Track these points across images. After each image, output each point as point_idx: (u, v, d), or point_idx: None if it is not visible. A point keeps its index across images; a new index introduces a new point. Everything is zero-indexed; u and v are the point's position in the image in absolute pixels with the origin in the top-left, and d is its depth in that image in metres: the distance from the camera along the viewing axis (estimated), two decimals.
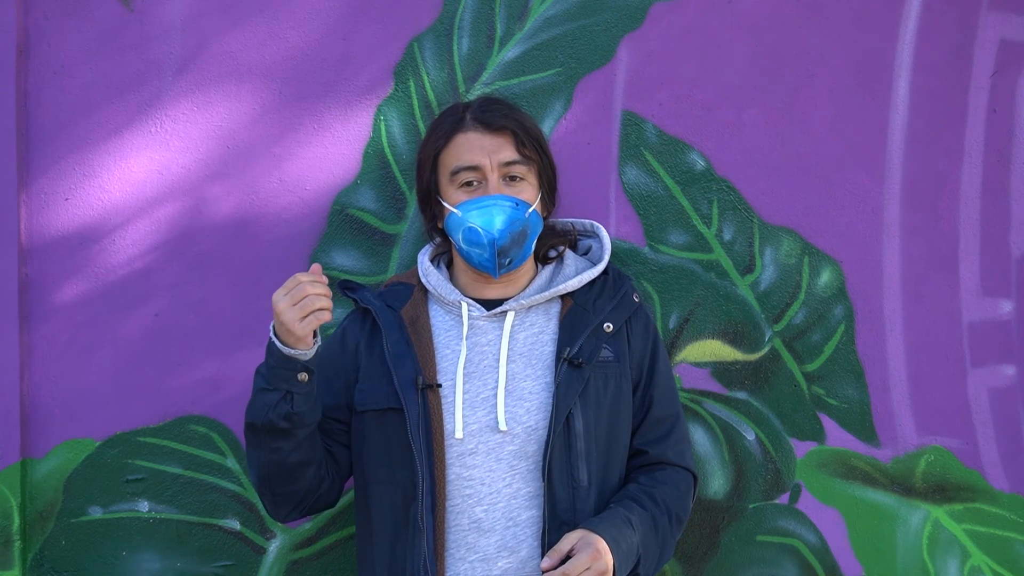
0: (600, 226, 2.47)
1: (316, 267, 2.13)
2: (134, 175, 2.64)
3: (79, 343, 2.63)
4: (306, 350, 2.12)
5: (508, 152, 2.29)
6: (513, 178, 2.30)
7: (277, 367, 2.13)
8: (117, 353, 2.63)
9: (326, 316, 2.10)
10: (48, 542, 2.63)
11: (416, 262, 2.48)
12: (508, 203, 2.26)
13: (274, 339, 2.12)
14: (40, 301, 2.62)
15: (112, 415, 2.63)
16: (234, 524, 2.65)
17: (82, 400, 2.63)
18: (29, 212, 2.62)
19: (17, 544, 2.60)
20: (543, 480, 2.19)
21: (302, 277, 2.09)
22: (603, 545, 2.10)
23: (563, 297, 2.35)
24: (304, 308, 2.07)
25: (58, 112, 2.63)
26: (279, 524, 2.65)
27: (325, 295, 2.09)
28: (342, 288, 2.43)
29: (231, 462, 2.65)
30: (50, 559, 2.63)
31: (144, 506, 2.64)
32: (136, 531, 2.64)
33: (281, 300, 2.08)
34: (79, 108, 2.63)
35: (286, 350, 2.11)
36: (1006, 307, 2.76)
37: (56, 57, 2.63)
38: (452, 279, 2.39)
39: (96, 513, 2.64)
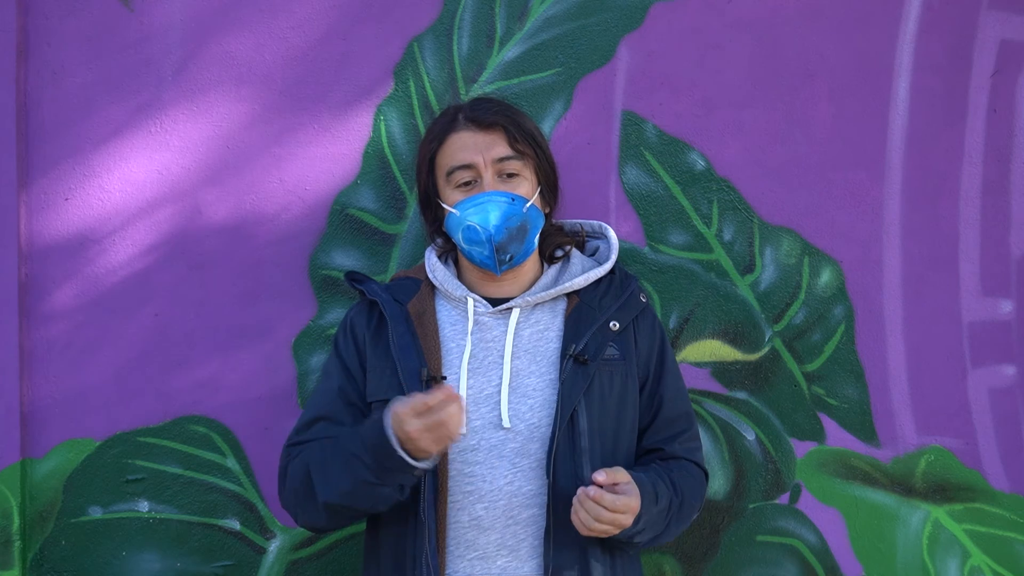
0: (608, 227, 2.47)
1: (449, 391, 2.05)
2: (134, 175, 2.64)
3: (79, 343, 2.63)
4: (428, 459, 2.11)
5: (501, 148, 2.29)
6: (509, 175, 2.30)
7: (394, 469, 2.10)
8: (117, 353, 2.63)
9: (457, 437, 2.09)
10: (48, 542, 2.63)
11: (419, 259, 2.48)
12: (503, 199, 2.27)
13: (398, 449, 2.07)
14: (40, 301, 2.62)
15: (112, 415, 2.63)
16: (234, 524, 2.65)
17: (82, 400, 2.63)
18: (29, 212, 2.62)
19: (17, 544, 2.60)
20: (548, 478, 2.19)
21: (431, 402, 2.02)
22: (638, 504, 2.11)
23: (569, 296, 2.35)
24: (440, 438, 2.06)
25: (58, 112, 2.63)
26: (279, 524, 2.65)
27: (457, 416, 2.05)
28: (348, 279, 2.43)
29: (231, 462, 2.65)
30: (50, 559, 2.63)
31: (144, 506, 2.64)
32: (136, 531, 2.64)
33: (412, 424, 2.04)
34: (79, 108, 2.63)
35: (410, 460, 2.08)
36: (1006, 307, 2.76)
37: (56, 57, 2.63)
38: (459, 277, 2.39)
39: (96, 513, 2.64)
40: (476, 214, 2.26)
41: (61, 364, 2.63)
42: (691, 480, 2.31)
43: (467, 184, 2.30)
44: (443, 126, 2.34)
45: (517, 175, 2.30)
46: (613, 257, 2.40)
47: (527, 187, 2.31)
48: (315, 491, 2.19)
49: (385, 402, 2.24)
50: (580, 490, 2.10)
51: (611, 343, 2.29)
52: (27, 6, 2.61)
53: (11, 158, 2.59)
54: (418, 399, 2.03)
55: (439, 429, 2.04)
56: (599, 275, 2.36)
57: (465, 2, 2.69)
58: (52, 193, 2.63)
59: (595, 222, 2.50)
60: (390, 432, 2.07)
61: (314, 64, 2.67)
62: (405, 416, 2.04)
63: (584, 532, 2.11)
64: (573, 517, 2.11)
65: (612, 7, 2.70)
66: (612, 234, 2.45)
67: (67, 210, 2.64)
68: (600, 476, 2.10)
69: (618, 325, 2.31)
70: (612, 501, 2.08)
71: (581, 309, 2.32)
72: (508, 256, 2.28)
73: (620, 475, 2.12)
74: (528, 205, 2.29)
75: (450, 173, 2.30)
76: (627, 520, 2.10)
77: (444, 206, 2.32)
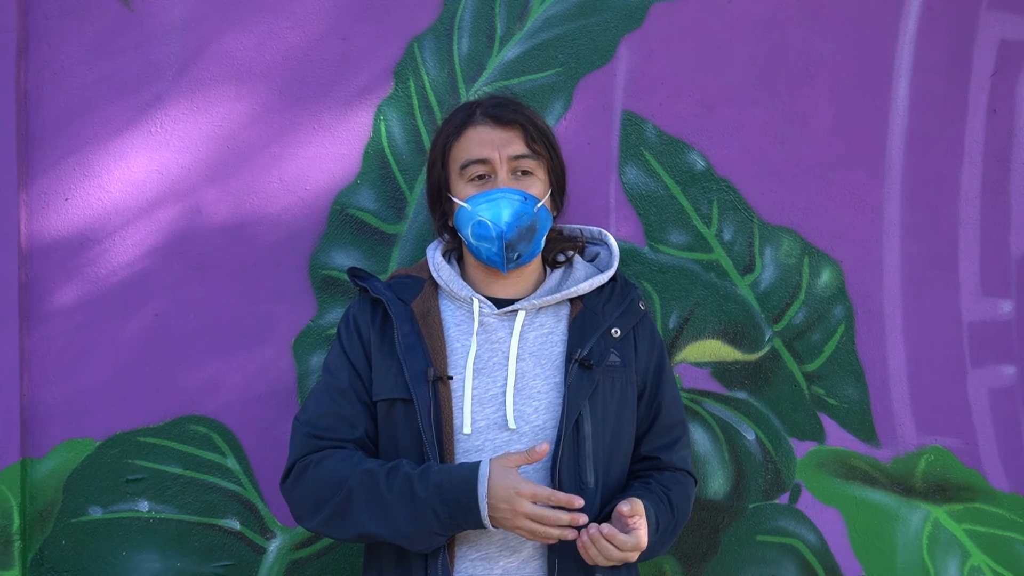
0: (608, 234, 2.46)
1: (579, 510, 2.09)
2: (134, 175, 2.64)
3: (79, 343, 2.63)
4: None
5: (518, 146, 2.29)
6: (523, 172, 2.30)
7: (465, 525, 2.12)
8: (117, 353, 2.63)
9: (550, 540, 2.12)
10: (48, 542, 2.63)
11: (419, 259, 2.48)
12: (516, 196, 2.27)
13: (485, 519, 2.10)
14: (40, 301, 2.62)
15: (112, 415, 2.63)
16: (234, 524, 2.65)
17: (82, 400, 2.63)
18: (29, 212, 2.62)
19: (17, 544, 2.60)
20: (552, 481, 2.19)
21: (563, 518, 2.08)
22: (646, 541, 2.13)
23: (572, 301, 2.35)
24: (534, 532, 2.09)
25: (58, 112, 2.63)
26: (279, 524, 2.65)
27: (561, 531, 2.09)
28: (351, 275, 2.43)
29: (231, 462, 2.65)
30: (50, 559, 2.63)
31: (144, 506, 2.64)
32: (136, 531, 2.64)
33: (526, 507, 2.07)
34: (79, 108, 2.63)
35: (490, 526, 2.11)
36: (1006, 307, 2.76)
37: (56, 57, 2.63)
38: (463, 275, 2.39)
39: (96, 513, 2.64)
40: (488, 210, 2.26)
41: (61, 364, 2.63)
42: (685, 496, 2.33)
43: (480, 178, 2.30)
44: (461, 119, 2.33)
45: (531, 174, 2.30)
46: (615, 264, 2.40)
47: (540, 187, 2.31)
48: (354, 517, 2.18)
49: (388, 402, 2.25)
50: (593, 527, 2.10)
51: (613, 349, 2.29)
52: (27, 6, 2.61)
53: (11, 158, 2.58)
54: (546, 490, 2.08)
55: (543, 524, 2.08)
56: (602, 281, 2.36)
57: (465, 2, 2.69)
58: (52, 193, 2.63)
59: (594, 228, 2.50)
60: (482, 495, 2.09)
61: (314, 64, 2.67)
62: (523, 495, 2.07)
63: (590, 563, 2.13)
64: (581, 550, 2.12)
65: (612, 7, 2.70)
66: (613, 241, 2.44)
67: (67, 210, 2.63)
68: (624, 507, 2.11)
69: (619, 332, 2.31)
70: (623, 542, 2.10)
71: (585, 315, 2.32)
72: (516, 254, 2.28)
73: (638, 507, 2.13)
74: (539, 205, 2.29)
75: (464, 167, 2.30)
76: (633, 557, 2.13)
77: (455, 200, 2.32)
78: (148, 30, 2.64)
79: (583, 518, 2.09)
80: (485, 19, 2.69)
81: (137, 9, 2.64)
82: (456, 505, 2.10)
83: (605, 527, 2.09)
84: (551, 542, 2.13)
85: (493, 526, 2.11)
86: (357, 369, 2.29)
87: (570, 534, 2.09)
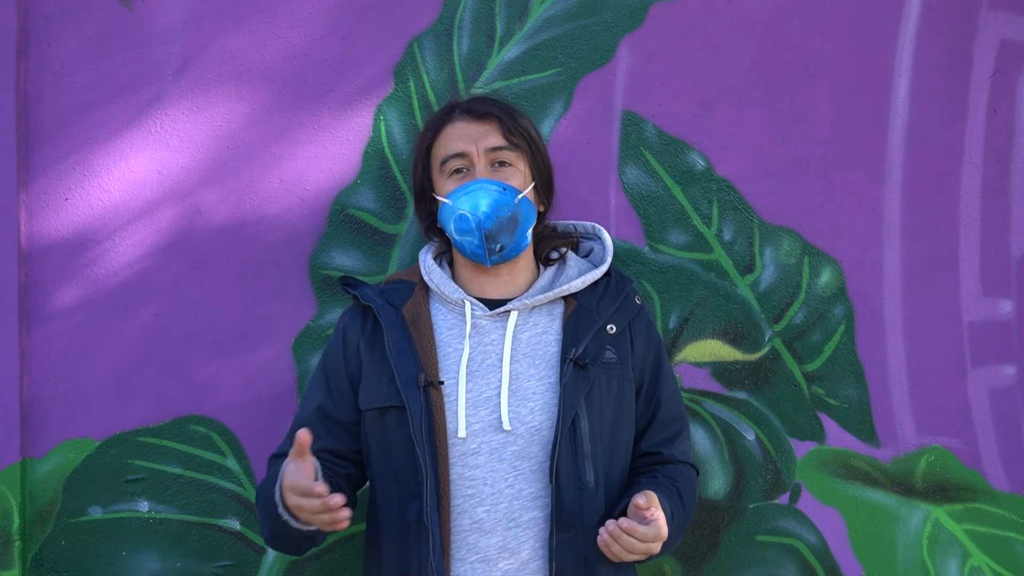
0: (602, 228, 2.47)
1: (323, 494, 2.02)
2: (134, 175, 2.64)
3: (79, 343, 2.63)
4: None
5: (494, 138, 2.30)
6: (501, 164, 2.31)
7: (293, 523, 2.11)
8: (117, 353, 2.63)
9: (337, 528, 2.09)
10: (48, 542, 2.63)
11: (416, 261, 2.48)
12: (494, 187, 2.27)
13: (287, 517, 2.10)
14: (40, 301, 2.62)
15: (112, 415, 2.63)
16: (234, 524, 2.65)
17: (82, 400, 2.63)
18: (29, 212, 2.62)
19: (17, 544, 2.60)
20: (551, 482, 2.19)
21: (316, 505, 2.02)
22: (666, 531, 2.13)
23: (566, 298, 2.35)
24: (320, 521, 2.06)
25: (58, 112, 2.63)
26: None
27: (330, 523, 2.05)
28: (343, 284, 2.43)
29: (231, 462, 2.65)
30: (50, 559, 2.63)
31: (144, 506, 2.64)
32: (136, 531, 2.64)
33: (291, 499, 2.05)
34: (79, 108, 2.63)
35: (304, 528, 2.10)
36: (1006, 307, 2.76)
37: (56, 57, 2.63)
38: (454, 277, 2.38)
39: (96, 513, 2.64)
40: (467, 202, 2.26)
41: (61, 364, 2.63)
42: (691, 487, 2.33)
43: (459, 172, 2.30)
44: (439, 119, 2.36)
45: (510, 165, 2.31)
46: (608, 259, 2.40)
47: (519, 179, 2.31)
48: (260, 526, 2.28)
49: (381, 410, 2.25)
50: (612, 524, 2.10)
51: (608, 346, 2.29)
52: (27, 6, 2.61)
53: (11, 158, 2.58)
54: (304, 483, 2.02)
55: (315, 515, 2.05)
56: (596, 277, 2.36)
57: (465, 2, 2.69)
58: (52, 193, 2.63)
59: (588, 223, 2.50)
60: (277, 497, 2.11)
61: (314, 64, 2.67)
62: (287, 489, 2.06)
63: (615, 560, 2.13)
64: (604, 548, 2.12)
65: (612, 7, 2.70)
66: (606, 235, 2.45)
67: (67, 210, 2.63)
68: (640, 500, 2.09)
69: (615, 328, 2.31)
70: (644, 534, 2.09)
71: (579, 312, 2.31)
72: (499, 246, 2.28)
73: (654, 499, 2.12)
74: (520, 197, 2.29)
75: (444, 163, 2.31)
76: (656, 548, 2.12)
77: (438, 198, 2.33)
78: (148, 30, 2.64)
79: (335, 499, 2.00)
80: (485, 19, 2.69)
81: (137, 9, 2.64)
82: (269, 506, 2.14)
83: (624, 521, 2.09)
84: (340, 528, 2.07)
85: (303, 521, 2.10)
86: (335, 385, 2.31)
87: (341, 515, 2.03)
